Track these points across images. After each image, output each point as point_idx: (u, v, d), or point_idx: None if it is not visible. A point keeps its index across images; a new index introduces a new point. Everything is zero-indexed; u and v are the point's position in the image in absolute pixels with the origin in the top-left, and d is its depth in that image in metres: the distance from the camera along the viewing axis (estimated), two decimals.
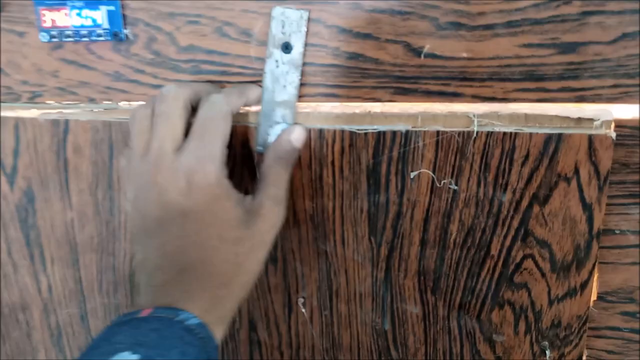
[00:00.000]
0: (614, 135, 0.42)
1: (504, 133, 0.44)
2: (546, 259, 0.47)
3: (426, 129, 0.46)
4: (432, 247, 0.49)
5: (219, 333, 0.40)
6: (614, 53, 0.42)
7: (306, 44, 0.46)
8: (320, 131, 0.48)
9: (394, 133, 0.46)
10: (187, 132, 0.42)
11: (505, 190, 0.46)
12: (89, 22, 0.49)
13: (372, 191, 0.49)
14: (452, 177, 0.46)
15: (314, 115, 0.48)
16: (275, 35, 0.46)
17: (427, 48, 0.44)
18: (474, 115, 0.45)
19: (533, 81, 0.44)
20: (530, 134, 0.44)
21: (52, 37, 0.51)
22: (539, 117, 0.44)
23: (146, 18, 0.49)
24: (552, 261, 0.47)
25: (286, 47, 0.46)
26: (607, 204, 0.45)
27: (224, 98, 0.43)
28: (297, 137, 0.46)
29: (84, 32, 0.50)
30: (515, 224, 0.46)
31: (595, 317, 0.49)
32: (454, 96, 0.45)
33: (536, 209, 0.45)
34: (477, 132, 0.44)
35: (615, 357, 0.50)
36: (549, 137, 0.43)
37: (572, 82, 0.43)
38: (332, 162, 0.49)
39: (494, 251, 0.48)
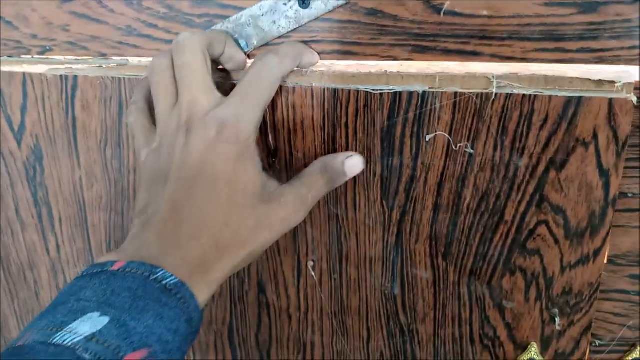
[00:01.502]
0: (634, 99, 0.42)
1: (523, 95, 0.44)
2: (560, 226, 0.47)
3: (444, 90, 0.45)
4: (445, 212, 0.49)
5: (202, 296, 0.37)
6: (634, 14, 0.42)
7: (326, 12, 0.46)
8: (335, 91, 0.47)
9: (410, 94, 0.46)
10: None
11: (522, 154, 0.45)
12: None
13: (386, 154, 0.48)
14: (468, 141, 0.46)
15: (328, 75, 0.48)
16: None
17: (447, 5, 0.44)
18: (493, 77, 0.44)
19: (552, 41, 0.43)
20: (550, 96, 0.43)
21: None
22: (559, 80, 0.43)
23: None
24: (567, 228, 0.47)
25: (304, 2, 0.46)
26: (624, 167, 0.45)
27: (278, 62, 0.42)
28: (352, 165, 0.45)
29: None
30: (530, 189, 0.46)
31: (604, 280, 0.49)
32: (473, 55, 0.45)
33: (552, 174, 0.45)
34: (496, 94, 0.44)
35: (622, 320, 0.50)
36: (568, 100, 0.43)
37: (591, 42, 0.43)
38: (346, 124, 0.48)
39: (508, 217, 0.48)
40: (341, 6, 0.46)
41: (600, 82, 0.42)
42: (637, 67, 0.43)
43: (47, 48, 0.53)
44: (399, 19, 0.45)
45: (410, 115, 0.46)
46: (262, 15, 0.46)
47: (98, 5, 0.50)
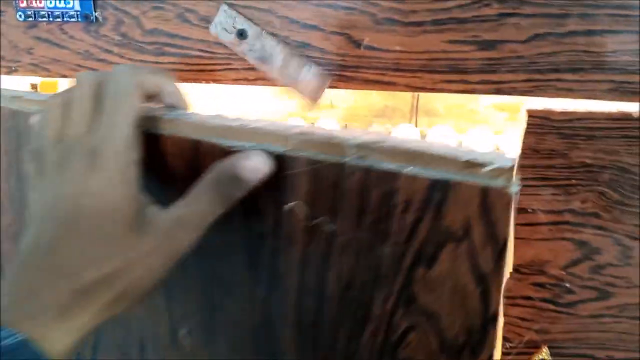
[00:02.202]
0: (515, 189, 0.30)
1: (384, 171, 0.32)
2: (434, 335, 0.36)
3: (301, 154, 0.34)
4: (309, 295, 0.39)
5: (59, 346, 0.32)
6: (526, 51, 0.48)
7: (261, 30, 0.51)
8: (196, 142, 0.38)
9: (269, 154, 0.35)
10: None
11: (385, 240, 0.35)
12: (61, 4, 0.54)
13: (247, 220, 0.39)
14: (329, 215, 0.36)
15: (186, 125, 0.38)
16: (234, 26, 0.51)
17: (366, 40, 0.50)
18: (350, 145, 0.33)
19: (457, 74, 0.49)
20: (414, 176, 0.32)
21: (27, 16, 0.55)
22: (426, 155, 0.32)
23: (115, 2, 0.53)
24: (442, 339, 0.35)
25: (241, 34, 0.51)
26: (521, 185, 0.51)
27: (134, 73, 0.36)
28: (252, 168, 0.34)
29: (57, 12, 0.54)
30: (397, 284, 0.36)
31: (511, 287, 0.55)
32: (389, 85, 0.51)
33: (421, 269, 0.34)
34: (352, 167, 0.33)
35: (528, 324, 0.56)
36: (434, 183, 0.32)
37: (490, 75, 0.49)
38: None
39: (375, 312, 0.37)
40: (267, 22, 0.51)
41: (469, 164, 0.30)
42: (531, 97, 0.49)
43: (13, 69, 0.58)
44: (325, 51, 0.51)
45: (271, 178, 0.36)
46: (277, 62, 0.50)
47: (59, 32, 0.56)
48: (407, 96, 1.13)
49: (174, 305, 0.45)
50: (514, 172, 0.30)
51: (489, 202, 0.31)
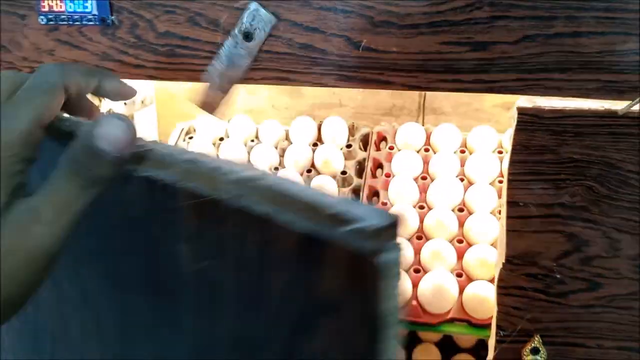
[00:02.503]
0: (392, 256, 0.23)
1: (258, 214, 0.26)
2: None
3: (186, 185, 0.28)
4: (202, 344, 0.36)
5: None
6: (516, 52, 0.50)
7: (266, 38, 0.55)
8: None
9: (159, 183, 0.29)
10: None
11: (262, 299, 0.30)
12: (80, 8, 0.58)
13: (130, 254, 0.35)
14: (213, 260, 0.31)
15: None
16: (244, 23, 0.54)
17: (364, 42, 0.53)
18: (227, 181, 0.27)
19: (451, 73, 0.52)
20: (285, 226, 0.25)
21: (49, 20, 0.59)
22: (297, 202, 0.25)
23: (130, 7, 0.57)
24: None
25: (247, 36, 0.55)
26: (513, 180, 0.54)
27: (57, 69, 0.33)
28: (108, 136, 0.28)
29: (76, 16, 0.58)
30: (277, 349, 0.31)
31: (505, 277, 0.57)
32: (387, 84, 0.54)
33: (299, 342, 0.30)
34: (230, 204, 0.27)
35: (521, 313, 0.58)
36: (303, 237, 0.25)
37: (483, 75, 0.51)
38: None
39: None
40: (274, 26, 0.54)
41: (337, 219, 0.23)
42: (522, 95, 0.52)
43: (34, 69, 0.62)
44: (326, 52, 0.54)
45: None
46: (224, 64, 0.55)
47: (79, 34, 0.59)
48: (414, 95, 1.15)
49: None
50: (393, 234, 0.23)
51: (358, 269, 0.24)
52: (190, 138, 1.09)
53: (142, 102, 1.00)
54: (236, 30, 0.55)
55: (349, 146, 1.01)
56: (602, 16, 0.48)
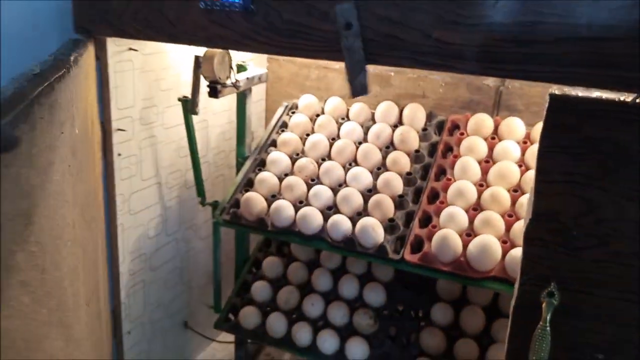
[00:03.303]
0: None
1: None
2: None
3: None
4: None
5: None
6: (552, 50, 0.65)
7: (360, 25, 0.73)
8: None
9: None
10: None
11: None
12: None
13: None
14: None
15: None
16: (339, 16, 0.73)
17: (434, 35, 0.70)
18: None
19: (498, 63, 0.68)
20: None
21: (207, 5, 0.82)
22: None
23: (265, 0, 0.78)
24: None
25: (348, 26, 0.74)
26: (542, 151, 0.68)
27: None
28: None
29: (227, 4, 0.81)
30: None
31: (531, 230, 0.72)
32: (450, 67, 0.70)
33: None
34: None
35: (542, 261, 0.72)
36: None
37: (524, 65, 0.67)
38: None
39: None
40: (362, 17, 0.73)
41: None
42: (555, 85, 0.66)
43: (194, 40, 0.85)
44: (405, 41, 0.72)
45: None
46: (348, 52, 0.75)
47: (227, 18, 0.82)
48: (490, 92, 1.29)
49: None
50: None
51: None
52: (293, 113, 1.30)
53: (260, 78, 1.23)
54: (339, 24, 0.74)
55: (424, 129, 1.18)
56: (621, 25, 0.61)
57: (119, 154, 1.05)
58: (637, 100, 0.61)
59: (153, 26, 0.88)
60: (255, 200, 1.08)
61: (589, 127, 0.66)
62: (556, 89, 0.67)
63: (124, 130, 1.04)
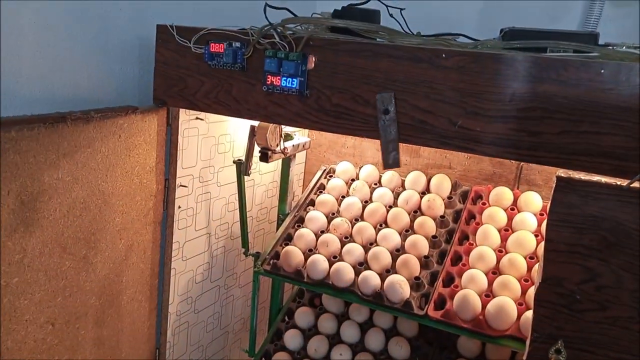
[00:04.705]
0: None
1: None
2: None
3: None
4: None
5: None
6: (557, 139, 0.78)
7: (397, 111, 0.88)
8: None
9: None
10: None
11: None
12: (289, 84, 0.96)
13: None
14: None
15: None
16: (379, 102, 0.89)
17: (459, 123, 0.84)
18: None
19: (513, 148, 0.81)
20: None
21: (268, 88, 0.99)
22: None
23: (318, 87, 0.94)
24: None
25: (385, 112, 0.89)
26: (551, 225, 0.80)
27: None
28: None
29: (286, 88, 0.97)
30: None
31: (540, 293, 0.82)
32: (470, 150, 0.84)
33: None
34: None
35: (549, 321, 0.82)
36: None
37: (534, 152, 0.80)
38: None
39: None
40: (397, 104, 0.88)
41: None
42: (559, 168, 0.79)
43: (255, 116, 1.02)
44: (435, 126, 0.86)
45: None
46: (384, 136, 0.90)
47: (284, 100, 0.98)
48: (512, 166, 1.41)
49: None
50: None
51: None
52: (330, 177, 1.45)
53: (304, 146, 1.38)
54: (379, 112, 0.89)
55: (450, 197, 1.30)
56: (617, 123, 0.74)
57: (179, 207, 1.20)
58: (631, 185, 0.73)
59: (221, 103, 1.05)
60: (294, 253, 1.21)
61: (591, 206, 0.78)
62: (562, 172, 0.80)
63: (185, 186, 1.20)
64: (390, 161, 0.87)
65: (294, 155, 1.38)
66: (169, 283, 1.22)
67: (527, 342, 0.86)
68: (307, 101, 0.96)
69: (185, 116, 1.17)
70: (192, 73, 1.08)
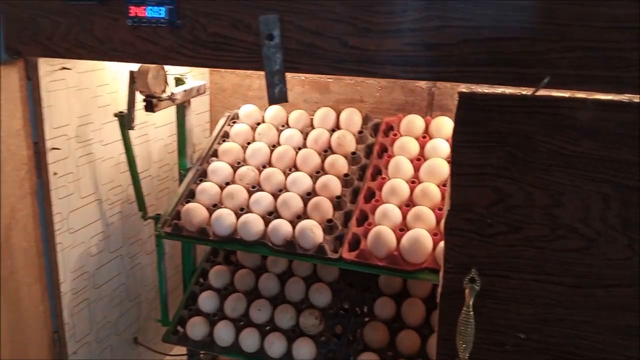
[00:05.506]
0: None
1: None
2: None
3: None
4: None
5: None
6: (457, 51, 0.70)
7: (282, 36, 0.77)
8: None
9: None
10: None
11: None
12: (156, 14, 0.82)
13: None
14: None
15: None
16: (262, 27, 0.77)
17: (350, 42, 0.74)
18: None
19: (410, 66, 0.72)
20: None
21: (134, 22, 0.84)
22: None
23: (190, 14, 0.81)
24: None
25: (270, 37, 0.77)
26: (455, 146, 0.73)
27: None
28: None
29: (153, 20, 0.82)
30: None
31: (449, 221, 0.76)
32: (368, 73, 0.74)
33: None
34: None
35: (460, 250, 0.77)
36: None
37: (433, 67, 0.71)
38: None
39: None
40: (284, 27, 0.76)
41: None
42: (462, 84, 0.71)
43: (121, 57, 0.87)
44: (325, 49, 0.75)
45: None
46: (269, 65, 0.78)
47: (154, 33, 0.84)
48: (423, 93, 1.35)
49: None
50: None
51: None
52: (234, 123, 1.32)
53: (198, 90, 1.24)
54: (262, 38, 0.77)
55: (360, 132, 1.22)
56: (519, 26, 0.67)
57: (55, 173, 1.04)
58: (537, 93, 0.67)
59: (83, 45, 0.89)
60: (195, 210, 1.09)
61: (495, 122, 0.71)
62: (464, 87, 0.72)
63: (58, 149, 1.04)
64: (276, 95, 0.77)
65: (189, 102, 1.24)
66: (56, 260, 1.07)
67: (441, 274, 0.81)
68: (180, 33, 0.82)
69: (49, 67, 1.00)
70: (44, 12, 0.91)
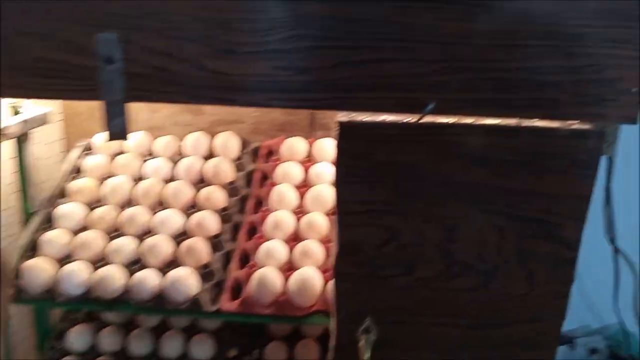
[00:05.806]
0: None
1: None
2: None
3: None
4: None
5: None
6: (332, 75, 0.61)
7: (125, 58, 0.62)
8: None
9: None
10: None
11: None
12: None
13: None
14: None
15: None
16: (100, 49, 0.62)
17: (211, 66, 0.62)
18: None
19: (281, 92, 0.62)
20: None
21: None
22: None
23: (7, 33, 0.63)
24: None
25: (109, 60, 0.62)
26: (338, 182, 0.64)
27: None
28: None
29: None
30: None
31: (338, 264, 0.67)
32: (230, 101, 0.63)
33: None
34: None
35: (353, 296, 0.68)
36: None
37: (307, 94, 0.62)
38: None
39: None
40: (126, 50, 0.62)
41: None
42: (338, 111, 0.62)
43: None
44: (180, 74, 0.63)
45: None
46: (106, 91, 0.62)
47: None
48: (304, 112, 1.26)
49: None
50: None
51: None
52: (88, 154, 1.14)
53: (41, 120, 1.04)
54: (100, 58, 0.62)
55: (239, 158, 1.10)
56: (400, 46, 0.59)
57: None
58: (421, 121, 0.60)
59: None
60: (37, 268, 0.90)
61: (379, 152, 0.63)
62: (343, 115, 0.64)
63: None
64: (116, 129, 0.62)
65: (26, 135, 1.03)
66: None
67: (332, 325, 0.71)
68: None
69: None
70: None
